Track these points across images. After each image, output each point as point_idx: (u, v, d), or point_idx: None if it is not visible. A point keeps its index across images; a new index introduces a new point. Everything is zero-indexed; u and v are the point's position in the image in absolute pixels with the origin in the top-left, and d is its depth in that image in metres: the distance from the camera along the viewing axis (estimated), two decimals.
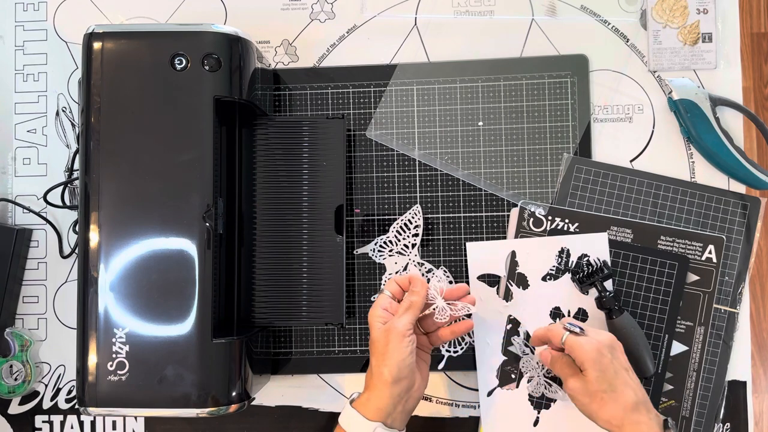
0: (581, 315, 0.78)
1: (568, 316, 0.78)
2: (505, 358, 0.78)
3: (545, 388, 0.78)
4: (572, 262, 0.78)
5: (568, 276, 0.78)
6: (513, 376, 0.78)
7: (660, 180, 0.80)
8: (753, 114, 0.81)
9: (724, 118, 0.80)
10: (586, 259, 0.78)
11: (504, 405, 0.77)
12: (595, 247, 0.78)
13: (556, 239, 0.78)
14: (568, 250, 0.78)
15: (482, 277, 0.79)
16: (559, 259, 0.78)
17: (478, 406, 0.80)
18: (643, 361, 0.75)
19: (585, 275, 0.76)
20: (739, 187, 0.80)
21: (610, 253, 0.78)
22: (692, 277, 0.78)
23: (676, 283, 0.78)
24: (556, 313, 0.78)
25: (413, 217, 0.81)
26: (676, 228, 0.79)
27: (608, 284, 0.76)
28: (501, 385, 0.78)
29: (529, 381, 0.78)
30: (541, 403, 0.78)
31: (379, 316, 0.69)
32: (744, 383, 0.79)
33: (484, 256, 0.79)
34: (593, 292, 0.77)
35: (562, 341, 0.68)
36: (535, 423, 0.77)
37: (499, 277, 0.79)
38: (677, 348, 0.78)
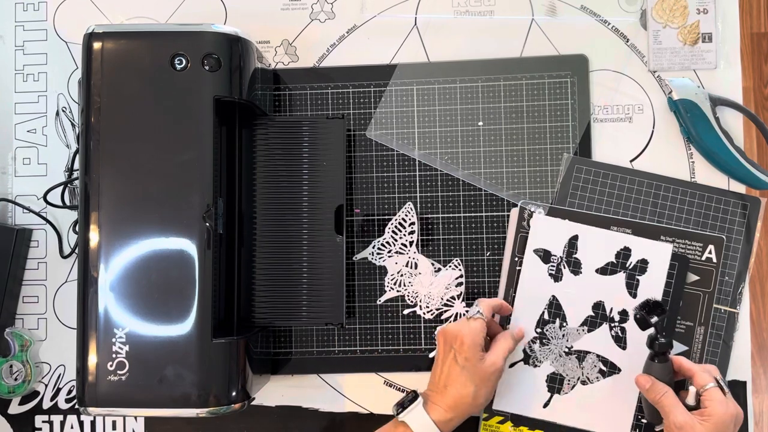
0: (623, 317, 0.77)
1: (610, 314, 0.77)
2: (535, 334, 0.78)
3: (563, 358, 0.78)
4: (630, 263, 0.77)
5: (621, 275, 0.77)
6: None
7: (660, 180, 0.80)
8: (753, 114, 0.81)
9: (724, 118, 0.80)
10: (643, 274, 0.77)
11: (521, 380, 0.77)
12: (657, 255, 0.77)
13: (621, 237, 0.78)
14: (629, 251, 0.78)
15: (539, 251, 0.79)
16: (618, 257, 0.78)
17: None
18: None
19: (647, 310, 0.71)
20: (739, 187, 0.80)
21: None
22: (692, 277, 0.78)
23: (676, 283, 0.78)
24: (597, 307, 0.78)
25: (407, 215, 0.81)
26: (676, 228, 0.79)
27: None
28: (525, 361, 0.78)
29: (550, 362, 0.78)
30: (553, 387, 0.78)
31: (481, 345, 0.70)
32: (744, 383, 0.79)
33: (548, 231, 0.79)
34: (625, 300, 0.76)
35: (706, 387, 0.67)
36: (546, 405, 0.77)
37: (555, 255, 0.79)
38: (677, 348, 0.78)
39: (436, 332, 0.74)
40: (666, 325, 0.77)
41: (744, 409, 0.78)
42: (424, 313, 0.80)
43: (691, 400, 0.69)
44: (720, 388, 0.67)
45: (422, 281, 0.81)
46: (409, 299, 0.81)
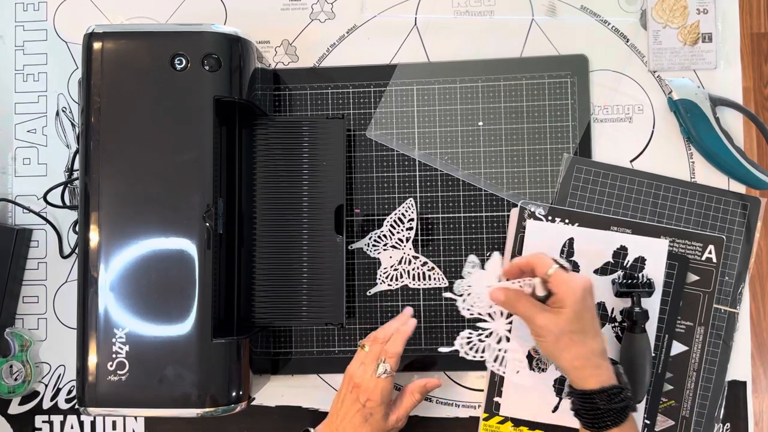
0: (624, 315, 0.77)
1: (611, 314, 0.77)
2: None
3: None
4: (628, 262, 0.77)
5: (618, 273, 0.77)
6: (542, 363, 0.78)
7: (660, 180, 0.80)
8: (753, 114, 0.81)
9: (724, 118, 0.80)
10: (642, 271, 0.77)
11: (529, 386, 0.77)
12: (654, 251, 0.77)
13: (616, 236, 0.78)
14: (626, 249, 0.78)
15: None
16: (615, 256, 0.78)
17: (478, 406, 0.80)
18: (642, 385, 0.74)
19: (630, 283, 0.75)
20: (739, 187, 0.80)
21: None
22: (692, 277, 0.78)
23: (676, 283, 0.78)
24: (598, 308, 0.78)
25: (407, 211, 0.81)
26: (676, 228, 0.79)
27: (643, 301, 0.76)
28: (530, 366, 0.78)
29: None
30: (561, 390, 0.78)
31: (389, 402, 0.72)
32: (744, 383, 0.79)
33: (543, 236, 0.78)
34: (626, 301, 0.76)
35: (549, 273, 0.66)
36: (555, 409, 0.77)
37: None
38: (677, 348, 0.78)
39: (345, 373, 0.74)
40: (666, 325, 0.77)
41: (744, 409, 0.79)
42: (463, 308, 0.75)
43: (540, 290, 0.67)
44: (561, 267, 0.66)
45: (481, 278, 0.74)
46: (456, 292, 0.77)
